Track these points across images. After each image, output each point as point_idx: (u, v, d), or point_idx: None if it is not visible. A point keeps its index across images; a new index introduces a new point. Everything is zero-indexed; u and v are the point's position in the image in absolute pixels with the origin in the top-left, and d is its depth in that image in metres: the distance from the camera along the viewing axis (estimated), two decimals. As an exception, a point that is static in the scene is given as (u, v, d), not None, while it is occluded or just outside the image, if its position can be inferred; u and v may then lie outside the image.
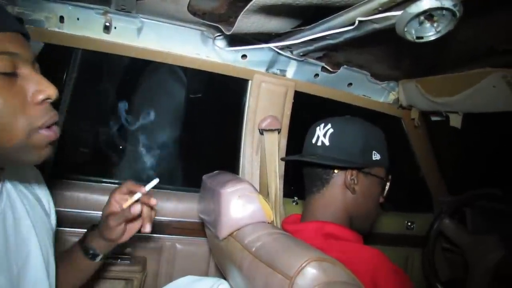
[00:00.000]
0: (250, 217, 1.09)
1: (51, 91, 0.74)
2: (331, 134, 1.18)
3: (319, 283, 0.71)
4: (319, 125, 1.23)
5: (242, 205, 1.08)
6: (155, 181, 1.02)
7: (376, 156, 1.17)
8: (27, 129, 0.70)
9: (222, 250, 1.15)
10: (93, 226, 1.07)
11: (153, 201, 1.01)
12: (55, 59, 1.51)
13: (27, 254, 0.85)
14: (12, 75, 0.69)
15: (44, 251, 0.90)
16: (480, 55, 1.31)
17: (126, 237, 1.05)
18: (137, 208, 0.98)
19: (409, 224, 2.18)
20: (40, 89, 0.73)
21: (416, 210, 2.25)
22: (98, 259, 1.05)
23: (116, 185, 1.57)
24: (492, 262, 1.72)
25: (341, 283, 0.72)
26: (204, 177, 1.37)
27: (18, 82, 0.71)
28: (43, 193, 1.01)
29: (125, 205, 0.99)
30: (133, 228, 1.06)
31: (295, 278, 0.73)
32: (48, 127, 0.76)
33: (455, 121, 1.66)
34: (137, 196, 1.00)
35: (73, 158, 2.06)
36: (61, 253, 1.07)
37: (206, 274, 1.67)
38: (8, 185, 0.87)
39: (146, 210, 1.04)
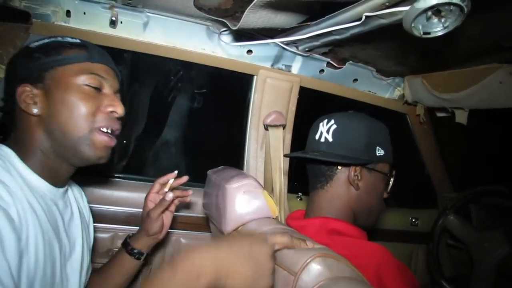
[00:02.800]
0: (255, 212, 1.09)
1: (119, 109, 0.97)
2: (335, 130, 1.17)
3: (324, 278, 0.71)
4: (322, 121, 1.22)
5: (247, 201, 1.08)
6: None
7: (380, 152, 1.16)
8: (90, 126, 0.93)
9: (226, 245, 1.15)
10: (128, 237, 1.23)
11: (188, 192, 1.23)
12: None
13: (71, 250, 1.01)
14: (97, 90, 0.95)
15: (85, 252, 1.08)
16: (487, 51, 1.30)
17: (164, 232, 1.22)
18: (171, 194, 1.15)
19: (413, 220, 2.17)
20: (112, 104, 0.97)
21: (421, 206, 2.24)
22: (143, 257, 1.21)
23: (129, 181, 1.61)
24: (497, 259, 1.72)
25: (345, 279, 0.72)
26: (209, 172, 1.37)
27: (99, 96, 0.96)
28: (85, 207, 1.19)
29: (166, 188, 1.20)
30: (167, 221, 1.22)
31: (300, 274, 0.73)
32: (109, 135, 0.96)
33: (461, 117, 1.65)
34: (172, 178, 1.20)
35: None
36: (106, 263, 1.23)
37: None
38: (70, 190, 1.09)
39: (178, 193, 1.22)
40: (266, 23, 1.14)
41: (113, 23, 1.34)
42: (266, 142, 1.63)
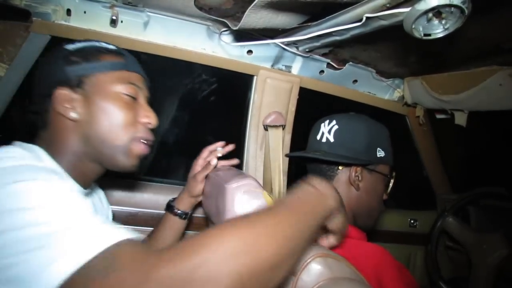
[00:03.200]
0: (255, 212, 1.09)
1: (154, 120, 1.01)
2: (336, 131, 1.18)
3: (324, 279, 0.71)
4: (323, 122, 1.23)
5: (247, 201, 1.08)
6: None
7: (380, 153, 1.17)
8: (130, 135, 0.95)
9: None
10: (170, 201, 1.34)
11: (233, 161, 1.35)
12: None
13: None
14: (134, 99, 0.98)
15: None
16: (487, 53, 1.30)
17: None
18: (215, 160, 1.27)
19: (412, 221, 2.18)
20: (148, 115, 1.00)
21: (420, 208, 2.24)
22: (187, 217, 1.32)
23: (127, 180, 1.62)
24: (495, 261, 1.72)
25: (345, 279, 0.72)
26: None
27: (135, 105, 0.99)
28: (104, 207, 1.23)
29: (219, 153, 1.32)
30: None
31: (300, 274, 0.73)
32: (145, 144, 1.00)
33: (461, 119, 1.65)
34: (220, 146, 1.33)
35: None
36: (154, 229, 1.33)
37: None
38: (93, 191, 1.15)
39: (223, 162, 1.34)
40: (266, 24, 1.14)
41: (113, 22, 1.34)
42: (266, 143, 1.63)
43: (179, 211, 1.30)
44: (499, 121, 2.10)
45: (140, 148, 0.98)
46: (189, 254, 0.54)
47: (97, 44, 0.98)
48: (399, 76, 1.82)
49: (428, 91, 1.68)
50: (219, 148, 1.33)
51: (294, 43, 1.49)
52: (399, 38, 1.23)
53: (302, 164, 1.31)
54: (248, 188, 1.07)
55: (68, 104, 0.90)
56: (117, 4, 1.31)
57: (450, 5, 0.76)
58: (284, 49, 1.53)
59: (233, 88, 2.09)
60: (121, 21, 1.35)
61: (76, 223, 0.61)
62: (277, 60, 1.60)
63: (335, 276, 0.72)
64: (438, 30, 0.86)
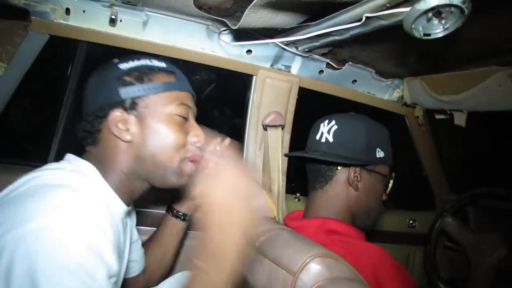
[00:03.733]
0: (253, 212, 1.09)
1: (202, 139, 1.01)
2: (335, 131, 1.17)
3: (323, 279, 0.71)
4: (323, 122, 1.23)
5: (246, 201, 1.08)
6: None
7: (380, 154, 1.17)
8: (181, 156, 0.96)
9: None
10: (170, 203, 1.33)
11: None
12: (60, 52, 1.51)
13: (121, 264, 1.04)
14: (185, 119, 0.98)
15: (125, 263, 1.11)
16: (486, 53, 1.30)
17: None
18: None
19: (411, 222, 2.17)
20: (197, 134, 1.00)
21: (419, 208, 2.24)
22: (187, 218, 1.31)
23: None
24: (494, 261, 1.72)
25: (344, 279, 0.72)
26: (207, 171, 1.37)
27: (186, 125, 0.99)
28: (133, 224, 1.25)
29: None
30: None
31: (299, 274, 0.73)
32: (195, 163, 0.99)
33: (460, 119, 1.65)
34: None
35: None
36: (156, 231, 1.35)
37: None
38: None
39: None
40: (266, 23, 1.13)
41: (112, 22, 1.34)
42: (265, 142, 1.63)
43: (179, 213, 1.30)
44: (498, 121, 2.10)
45: (190, 168, 0.98)
46: None
47: (149, 63, 0.98)
48: (399, 76, 1.82)
49: (428, 91, 1.68)
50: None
51: (294, 43, 1.49)
52: (398, 38, 1.23)
53: (302, 164, 1.31)
54: (247, 187, 1.06)
55: (123, 126, 0.91)
56: (116, 3, 1.31)
57: (450, 5, 0.76)
58: (283, 49, 1.53)
59: (232, 87, 2.09)
60: (120, 20, 1.35)
61: None
62: (276, 60, 1.60)
63: (334, 276, 0.71)
64: (438, 30, 0.86)
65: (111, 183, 0.93)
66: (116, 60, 0.97)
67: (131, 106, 0.92)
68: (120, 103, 0.91)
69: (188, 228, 1.34)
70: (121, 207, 0.96)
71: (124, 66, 0.94)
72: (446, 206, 2.00)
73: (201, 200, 0.77)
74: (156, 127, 0.93)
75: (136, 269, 1.26)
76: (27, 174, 0.82)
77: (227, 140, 1.21)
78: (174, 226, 1.31)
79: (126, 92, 0.91)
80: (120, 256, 0.95)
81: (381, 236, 2.04)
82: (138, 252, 1.26)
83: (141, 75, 0.94)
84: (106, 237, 0.76)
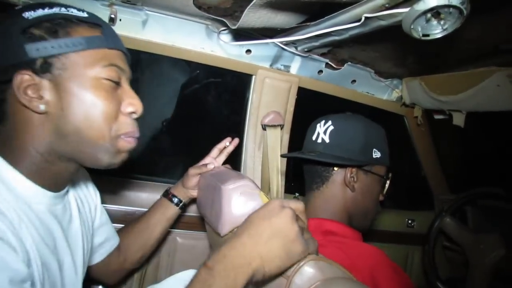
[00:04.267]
0: (251, 214, 1.09)
1: (139, 108, 0.86)
2: (332, 131, 1.17)
3: (317, 280, 0.71)
4: (319, 122, 1.22)
5: (244, 202, 1.07)
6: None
7: (376, 154, 1.17)
8: (114, 134, 0.81)
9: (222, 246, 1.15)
10: (168, 188, 1.35)
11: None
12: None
13: (72, 255, 0.92)
14: (116, 84, 0.82)
15: (85, 252, 0.99)
16: (485, 53, 1.30)
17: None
18: (212, 166, 1.31)
19: (409, 222, 2.18)
20: (133, 102, 0.85)
21: (417, 208, 2.25)
22: (181, 205, 1.32)
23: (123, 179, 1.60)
24: (492, 261, 1.73)
25: (338, 278, 0.72)
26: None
27: (118, 91, 0.83)
28: (90, 193, 1.11)
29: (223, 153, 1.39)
30: None
31: (293, 277, 0.73)
32: (133, 139, 0.87)
33: (458, 119, 1.65)
34: (227, 142, 1.41)
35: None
36: (146, 214, 1.32)
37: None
38: (71, 189, 0.97)
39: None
40: (265, 23, 1.13)
41: (112, 21, 1.34)
42: (264, 142, 1.63)
43: (175, 197, 1.31)
44: (497, 121, 2.10)
45: (127, 144, 0.85)
46: None
47: (65, 11, 0.79)
48: (398, 76, 1.82)
49: (427, 92, 1.68)
50: (227, 143, 1.40)
51: (293, 43, 1.49)
52: (398, 38, 1.23)
53: (300, 163, 1.31)
54: (245, 189, 1.06)
55: (34, 93, 0.74)
56: (116, 3, 1.31)
57: (449, 6, 0.76)
58: (282, 48, 1.52)
59: (231, 87, 2.09)
60: (120, 20, 1.35)
61: None
62: (275, 59, 1.60)
63: (327, 277, 0.71)
64: (437, 31, 0.86)
65: (24, 168, 0.77)
66: (19, 7, 0.80)
67: (43, 67, 0.74)
68: (27, 64, 0.73)
69: (181, 227, 1.36)
70: (44, 195, 0.81)
71: (30, 14, 0.74)
72: (445, 206, 2.01)
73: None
74: (79, 94, 0.76)
75: (104, 251, 1.17)
76: None
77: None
78: (167, 210, 1.31)
79: (35, 49, 0.72)
80: (59, 249, 0.85)
81: (379, 236, 2.05)
82: (104, 234, 1.16)
83: (54, 27, 0.75)
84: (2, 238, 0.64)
